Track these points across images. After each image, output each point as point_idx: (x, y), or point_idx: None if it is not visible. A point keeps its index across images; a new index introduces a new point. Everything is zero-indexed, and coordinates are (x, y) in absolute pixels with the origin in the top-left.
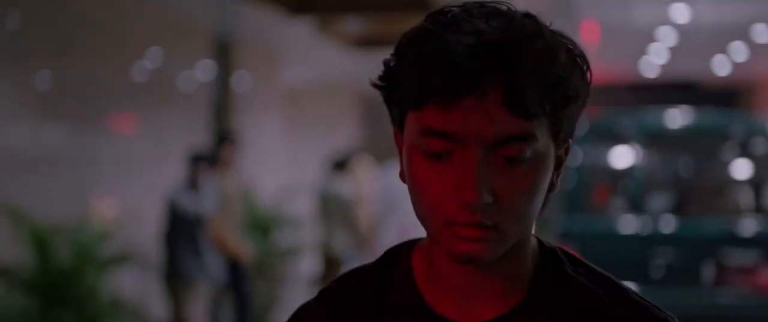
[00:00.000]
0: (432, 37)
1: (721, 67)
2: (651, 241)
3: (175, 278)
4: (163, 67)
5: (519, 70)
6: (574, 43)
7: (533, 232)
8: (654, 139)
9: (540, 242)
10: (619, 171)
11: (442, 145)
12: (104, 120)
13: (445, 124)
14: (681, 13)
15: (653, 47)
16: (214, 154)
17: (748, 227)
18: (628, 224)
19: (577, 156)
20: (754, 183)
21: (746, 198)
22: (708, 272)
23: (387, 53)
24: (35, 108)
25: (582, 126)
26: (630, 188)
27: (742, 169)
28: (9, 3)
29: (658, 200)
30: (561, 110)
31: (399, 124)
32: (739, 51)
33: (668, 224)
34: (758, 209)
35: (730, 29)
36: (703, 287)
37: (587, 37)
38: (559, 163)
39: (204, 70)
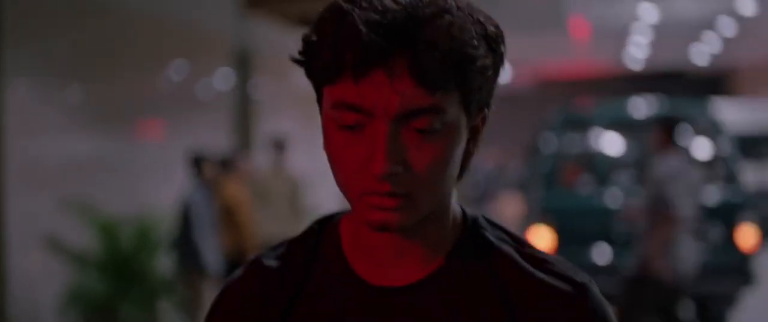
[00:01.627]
0: (343, 14)
1: (699, 57)
2: (615, 211)
3: (190, 270)
4: (187, 78)
5: (422, 46)
6: (487, 18)
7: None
8: (618, 125)
9: (464, 211)
10: (588, 154)
11: (355, 118)
12: (137, 128)
13: (356, 98)
14: (654, 10)
15: (633, 40)
16: (226, 156)
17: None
18: (596, 198)
19: (551, 142)
20: (709, 162)
21: None
22: None
23: None
24: (83, 119)
25: (558, 116)
26: (597, 167)
27: (697, 149)
28: (59, 32)
29: (622, 177)
30: (468, 84)
31: (318, 98)
32: (713, 42)
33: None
34: (709, 180)
35: (703, 22)
36: None
37: (577, 33)
38: (475, 132)
39: (223, 78)
